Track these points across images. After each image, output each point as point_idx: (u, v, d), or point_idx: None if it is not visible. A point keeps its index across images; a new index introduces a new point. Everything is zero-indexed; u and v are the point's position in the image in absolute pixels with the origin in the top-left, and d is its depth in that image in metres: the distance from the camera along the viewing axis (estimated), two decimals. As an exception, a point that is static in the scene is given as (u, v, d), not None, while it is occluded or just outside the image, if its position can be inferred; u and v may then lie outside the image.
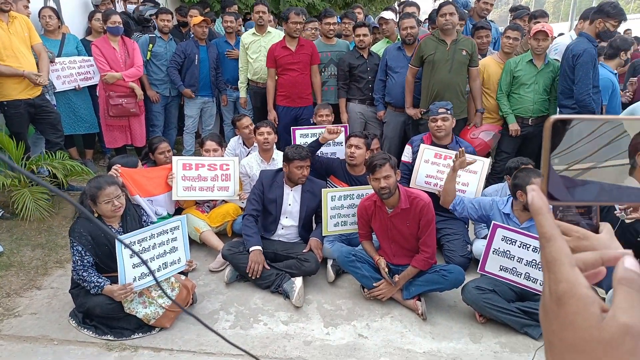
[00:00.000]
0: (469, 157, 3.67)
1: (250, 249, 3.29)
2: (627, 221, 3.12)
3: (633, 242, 3.09)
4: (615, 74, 4.48)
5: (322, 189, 3.53)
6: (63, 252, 3.61)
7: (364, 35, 4.77)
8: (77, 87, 4.96)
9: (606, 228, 0.69)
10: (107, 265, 2.81)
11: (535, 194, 0.45)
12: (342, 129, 4.24)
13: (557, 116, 0.45)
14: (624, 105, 4.71)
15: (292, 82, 4.86)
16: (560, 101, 4.11)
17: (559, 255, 0.42)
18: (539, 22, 4.55)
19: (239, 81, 5.42)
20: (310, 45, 4.91)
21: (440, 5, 4.32)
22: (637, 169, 0.47)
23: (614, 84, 4.27)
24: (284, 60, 4.82)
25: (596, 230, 0.69)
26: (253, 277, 3.24)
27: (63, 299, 3.02)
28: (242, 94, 5.43)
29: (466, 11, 5.54)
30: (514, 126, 4.37)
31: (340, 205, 3.54)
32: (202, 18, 5.28)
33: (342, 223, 3.57)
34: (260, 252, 3.30)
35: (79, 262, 2.72)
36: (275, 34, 5.23)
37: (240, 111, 5.61)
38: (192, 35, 5.45)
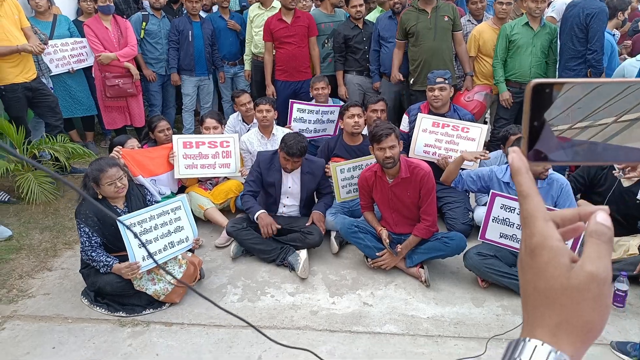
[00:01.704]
0: (466, 125, 3.69)
1: (256, 216, 3.33)
2: (625, 184, 3.16)
3: (631, 204, 3.13)
4: (614, 34, 4.44)
5: (331, 163, 3.56)
6: (71, 233, 3.67)
7: (360, 5, 4.71)
8: (70, 69, 4.92)
9: None
10: (114, 245, 2.86)
11: (515, 155, 0.47)
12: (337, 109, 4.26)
13: (538, 80, 0.47)
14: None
15: (289, 56, 4.80)
16: (564, 63, 4.05)
17: (534, 211, 0.44)
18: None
19: (244, 54, 5.38)
20: (307, 16, 4.84)
21: None
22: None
23: (612, 45, 4.22)
24: (279, 34, 4.75)
25: None
26: (269, 238, 3.30)
27: (74, 279, 3.09)
28: (247, 66, 5.39)
29: None
30: (504, 95, 4.37)
31: (350, 175, 3.61)
32: None
33: (355, 190, 3.62)
34: (267, 214, 3.35)
35: (87, 242, 2.77)
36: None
37: (238, 87, 5.59)
38: (185, 11, 5.38)
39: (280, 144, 3.42)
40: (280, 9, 4.81)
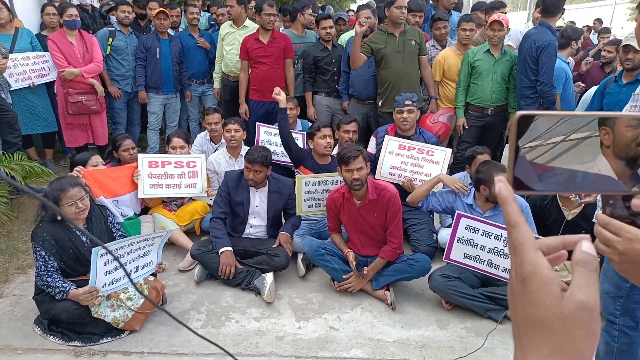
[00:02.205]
0: (430, 148, 3.76)
1: (221, 251, 3.28)
2: (569, 217, 3.26)
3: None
4: (568, 63, 4.65)
5: (297, 175, 3.56)
6: (25, 257, 3.51)
7: (330, 27, 4.78)
8: (31, 84, 4.77)
9: None
10: (72, 269, 2.76)
11: (502, 184, 0.48)
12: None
13: (523, 112, 0.49)
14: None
15: (263, 76, 4.81)
16: (520, 91, 4.21)
17: (523, 240, 0.45)
18: (500, 13, 4.67)
19: (214, 72, 5.36)
20: (284, 38, 4.87)
21: None
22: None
23: (566, 73, 4.42)
24: (255, 53, 4.78)
25: None
26: (225, 279, 3.24)
27: (26, 306, 2.94)
28: (216, 84, 5.37)
29: (430, 1, 5.63)
30: (460, 121, 4.52)
31: (314, 190, 3.60)
32: (159, 9, 5.15)
33: (316, 205, 3.63)
34: (231, 252, 3.30)
35: (43, 267, 2.65)
36: (252, 28, 5.17)
37: (206, 105, 5.56)
38: (153, 28, 5.33)
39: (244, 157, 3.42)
40: (258, 28, 4.84)
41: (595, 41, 7.57)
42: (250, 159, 3.35)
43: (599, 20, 9.58)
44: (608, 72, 4.69)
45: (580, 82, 4.97)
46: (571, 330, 0.42)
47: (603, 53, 4.94)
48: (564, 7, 4.08)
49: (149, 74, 5.21)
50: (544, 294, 0.44)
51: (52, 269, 2.68)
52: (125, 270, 0.76)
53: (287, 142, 3.77)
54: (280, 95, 3.71)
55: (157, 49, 5.16)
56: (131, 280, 0.72)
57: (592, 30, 8.91)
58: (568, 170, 0.51)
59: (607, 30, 7.33)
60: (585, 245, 0.46)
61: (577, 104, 4.75)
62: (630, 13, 31.41)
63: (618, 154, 0.51)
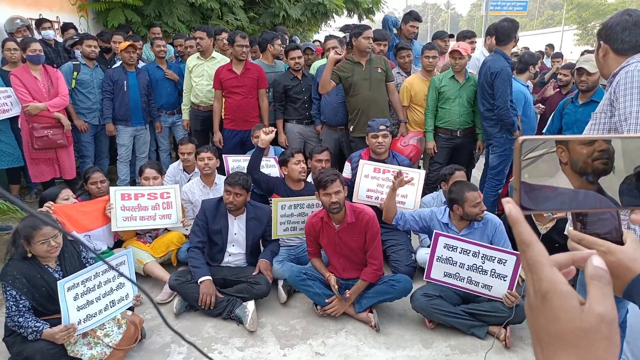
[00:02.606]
0: (405, 170, 3.85)
1: (200, 281, 3.22)
2: (543, 231, 3.40)
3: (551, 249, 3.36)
4: (527, 86, 4.91)
5: (273, 199, 3.55)
6: (-9, 298, 3.33)
7: (298, 57, 4.89)
8: None
9: (630, 238, 0.68)
10: (45, 307, 2.64)
11: (511, 205, 0.51)
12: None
13: (525, 137, 0.52)
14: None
15: (236, 106, 4.88)
16: (483, 114, 4.41)
17: (539, 258, 0.48)
18: (463, 42, 4.93)
19: (182, 104, 5.37)
20: (258, 69, 4.96)
21: (363, 28, 4.53)
22: (566, 166, 0.54)
23: (525, 95, 4.66)
24: (228, 83, 4.84)
25: (620, 240, 0.68)
26: (206, 309, 3.17)
27: (-5, 349, 2.78)
28: (185, 116, 5.38)
29: (395, 29, 5.85)
30: (429, 144, 4.68)
31: (290, 213, 3.61)
32: (128, 43, 5.16)
33: (292, 228, 3.64)
34: (211, 282, 3.24)
35: (14, 307, 2.53)
36: (220, 59, 5.25)
37: (176, 136, 5.54)
38: (118, 61, 5.31)
39: (224, 182, 3.43)
40: (231, 59, 4.91)
41: (549, 65, 8.00)
42: (231, 181, 3.36)
43: (551, 46, 10.16)
44: (565, 94, 4.97)
45: (540, 104, 5.23)
46: (593, 343, 0.44)
47: (559, 76, 5.23)
48: (517, 35, 4.33)
49: (116, 106, 5.17)
50: (565, 310, 0.45)
51: (23, 309, 2.56)
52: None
53: (256, 177, 3.81)
54: (266, 136, 3.77)
55: (125, 81, 5.14)
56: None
57: (545, 55, 9.43)
58: (570, 190, 0.53)
59: (560, 55, 7.78)
60: (596, 260, 0.48)
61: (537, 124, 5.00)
62: (578, 39, 33.47)
63: (576, 170, 0.54)
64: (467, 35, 5.61)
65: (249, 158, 4.42)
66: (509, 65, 4.20)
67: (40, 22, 5.67)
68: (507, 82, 4.13)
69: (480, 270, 2.97)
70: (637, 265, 0.65)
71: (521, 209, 0.51)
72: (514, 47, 4.42)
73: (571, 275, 0.52)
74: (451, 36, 5.80)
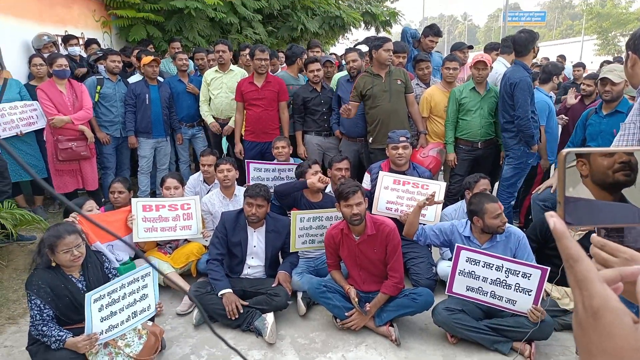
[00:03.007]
0: (426, 182, 3.82)
1: (221, 294, 3.23)
2: (575, 238, 3.32)
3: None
4: (550, 96, 4.84)
5: (292, 212, 3.55)
6: (15, 307, 3.39)
7: (317, 70, 4.92)
8: (19, 133, 4.76)
9: None
10: (68, 317, 2.67)
11: (555, 219, 0.49)
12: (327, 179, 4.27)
13: (568, 150, 0.52)
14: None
15: (256, 118, 4.95)
16: (503, 126, 4.36)
17: (588, 274, 0.46)
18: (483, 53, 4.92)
19: (203, 110, 5.44)
20: (278, 82, 5.02)
21: (384, 41, 4.54)
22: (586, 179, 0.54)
23: (549, 106, 4.60)
24: (249, 96, 4.93)
25: None
26: (233, 319, 3.18)
27: (19, 357, 2.83)
28: (210, 119, 5.42)
29: (412, 40, 5.86)
30: (450, 156, 4.64)
31: (309, 226, 3.59)
32: (152, 58, 5.27)
33: (310, 241, 3.62)
34: (232, 293, 3.24)
35: (38, 316, 2.56)
36: (238, 72, 5.33)
37: (196, 148, 5.64)
38: (136, 73, 5.42)
39: (244, 195, 3.43)
40: (252, 72, 4.99)
41: (569, 75, 7.90)
42: (252, 193, 3.37)
43: (562, 57, 10.06)
44: (588, 104, 4.88)
45: (563, 115, 5.15)
46: None
47: (582, 87, 5.16)
48: (537, 45, 4.28)
49: (138, 119, 5.27)
50: (618, 327, 0.44)
51: (47, 318, 2.59)
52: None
53: (285, 193, 3.83)
54: (318, 183, 3.75)
55: (147, 95, 5.25)
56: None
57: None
58: (609, 204, 0.54)
59: (582, 65, 7.68)
60: None
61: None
62: (599, 49, 33.09)
63: (597, 182, 0.54)
64: (494, 48, 5.58)
65: (270, 167, 4.46)
66: (529, 76, 4.16)
67: (68, 39, 5.84)
68: (527, 92, 4.09)
69: (504, 284, 2.91)
70: None
71: (566, 222, 0.50)
72: (534, 57, 4.37)
73: (619, 291, 0.50)
74: (470, 47, 5.77)
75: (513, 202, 4.49)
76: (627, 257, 0.65)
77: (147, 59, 5.25)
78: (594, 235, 0.71)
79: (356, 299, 3.14)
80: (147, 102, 5.24)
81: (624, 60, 2.19)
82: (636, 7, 34.28)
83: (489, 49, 5.64)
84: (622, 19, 31.23)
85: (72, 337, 2.54)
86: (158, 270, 2.41)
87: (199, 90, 5.54)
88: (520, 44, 4.17)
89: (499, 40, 6.26)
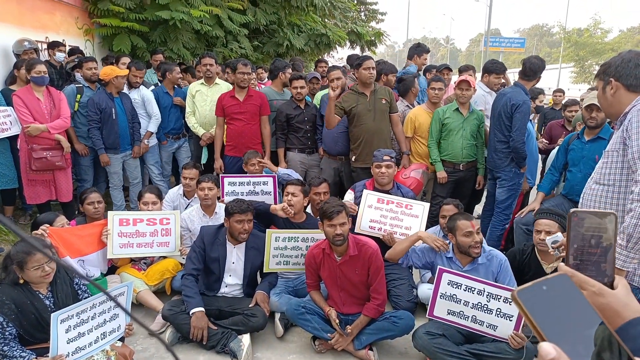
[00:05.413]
0: (409, 202, 3.79)
1: (191, 312, 3.11)
2: (548, 270, 3.32)
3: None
4: (530, 120, 4.91)
5: (267, 230, 3.47)
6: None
7: (301, 87, 4.90)
8: None
9: (621, 283, 0.69)
10: (32, 335, 2.54)
11: (561, 264, 0.55)
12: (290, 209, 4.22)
13: (575, 209, 0.60)
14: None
15: (238, 132, 4.88)
16: (494, 145, 4.37)
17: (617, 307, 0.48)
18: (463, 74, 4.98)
19: (191, 122, 5.33)
20: (260, 96, 4.98)
21: (363, 59, 4.56)
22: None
23: (529, 129, 4.65)
24: (230, 110, 4.87)
25: (611, 284, 0.68)
26: (197, 341, 3.06)
27: (-23, 379, 2.65)
28: (201, 130, 5.30)
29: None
30: (441, 174, 4.63)
31: (284, 246, 3.50)
32: (127, 71, 5.15)
33: (285, 262, 3.53)
34: (203, 314, 3.12)
35: (0, 334, 2.42)
36: (223, 86, 5.27)
37: (179, 159, 5.57)
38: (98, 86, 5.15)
39: (226, 212, 3.33)
40: (234, 86, 4.93)
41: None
42: (242, 209, 3.27)
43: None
44: (570, 130, 4.97)
45: (543, 139, 5.23)
46: None
47: (565, 112, 5.25)
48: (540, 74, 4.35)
49: (105, 134, 4.97)
50: None
51: (9, 337, 2.45)
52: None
53: (259, 211, 3.74)
54: (283, 214, 3.65)
55: (112, 109, 4.97)
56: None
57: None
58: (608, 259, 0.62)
59: (561, 90, 7.86)
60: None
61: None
62: (575, 76, 34.08)
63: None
64: (466, 70, 5.73)
65: (244, 180, 4.37)
66: (529, 100, 4.22)
67: (55, 45, 5.68)
68: (527, 116, 4.16)
69: (485, 309, 2.88)
70: (628, 311, 0.65)
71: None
72: (536, 83, 4.46)
73: None
74: (449, 69, 5.91)
75: (507, 225, 4.50)
76: (595, 291, 0.67)
77: (124, 71, 5.11)
78: (561, 264, 0.69)
79: (337, 321, 3.07)
80: (114, 117, 4.97)
81: (599, 89, 2.21)
82: (612, 36, 35.58)
83: (462, 71, 5.77)
84: (598, 49, 32.30)
85: (35, 358, 2.41)
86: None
87: (185, 103, 5.46)
88: (531, 69, 4.24)
89: (481, 64, 6.45)
